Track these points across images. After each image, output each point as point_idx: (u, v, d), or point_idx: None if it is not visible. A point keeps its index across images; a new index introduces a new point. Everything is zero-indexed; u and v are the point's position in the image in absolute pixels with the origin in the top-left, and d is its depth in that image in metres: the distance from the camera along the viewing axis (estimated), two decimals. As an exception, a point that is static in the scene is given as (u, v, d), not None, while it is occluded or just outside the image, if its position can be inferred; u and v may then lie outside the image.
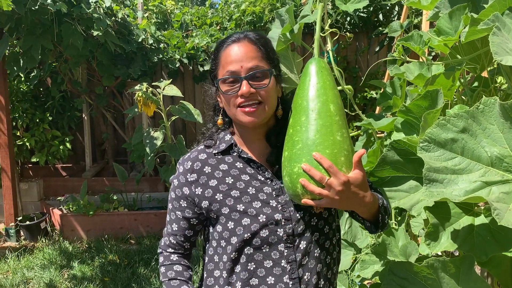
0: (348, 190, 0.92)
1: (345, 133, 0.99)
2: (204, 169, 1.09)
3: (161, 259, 1.17)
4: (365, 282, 1.74)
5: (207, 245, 1.14)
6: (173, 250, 1.16)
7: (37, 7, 3.32)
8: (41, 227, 4.11)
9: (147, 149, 3.86)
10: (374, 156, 1.41)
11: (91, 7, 3.66)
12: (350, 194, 0.93)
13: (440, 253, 1.54)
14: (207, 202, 1.07)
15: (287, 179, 0.99)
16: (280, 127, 1.09)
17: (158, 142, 3.87)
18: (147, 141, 3.89)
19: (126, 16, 4.40)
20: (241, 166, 1.09)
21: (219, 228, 1.07)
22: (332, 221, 1.11)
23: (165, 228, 1.17)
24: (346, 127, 1.01)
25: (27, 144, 4.64)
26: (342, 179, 0.91)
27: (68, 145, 4.83)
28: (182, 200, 1.10)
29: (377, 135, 1.74)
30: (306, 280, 1.03)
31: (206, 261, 1.13)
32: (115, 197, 4.47)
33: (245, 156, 1.09)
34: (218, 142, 1.13)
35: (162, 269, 1.14)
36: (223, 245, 1.06)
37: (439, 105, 0.96)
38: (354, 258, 1.80)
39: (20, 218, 4.14)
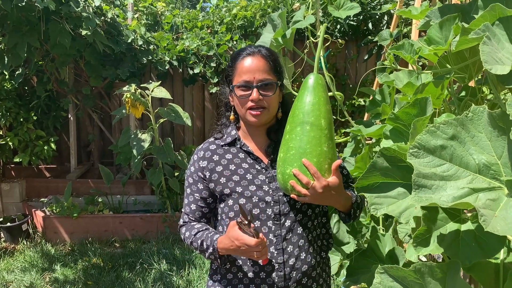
0: (328, 192, 1.15)
1: (331, 144, 1.18)
2: (213, 157, 1.34)
3: (183, 229, 1.36)
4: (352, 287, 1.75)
5: (215, 220, 1.39)
6: (192, 221, 1.37)
7: (24, 4, 3.28)
8: (22, 229, 4.02)
9: (134, 151, 3.82)
10: (362, 162, 1.42)
11: (80, 6, 3.62)
12: (328, 195, 1.16)
13: (425, 258, 1.56)
14: (213, 184, 1.32)
15: (280, 176, 1.19)
16: (279, 126, 1.33)
17: (146, 145, 3.84)
18: (134, 143, 3.85)
19: (115, 16, 4.37)
20: (243, 157, 1.33)
21: (222, 205, 1.32)
22: (315, 206, 1.33)
23: (184, 209, 1.40)
24: (333, 138, 1.20)
25: (10, 143, 4.54)
26: (323, 183, 1.13)
27: (52, 145, 4.74)
28: (199, 184, 1.34)
29: (366, 142, 1.75)
30: (289, 251, 1.26)
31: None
32: (100, 200, 4.41)
33: (246, 149, 1.33)
34: (225, 135, 1.37)
35: (187, 234, 1.33)
36: (224, 218, 1.32)
37: (428, 112, 0.97)
38: (340, 264, 1.80)
39: (1, 219, 4.05)
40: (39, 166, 5.14)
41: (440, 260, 1.66)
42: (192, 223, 1.36)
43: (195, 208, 1.35)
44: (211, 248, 1.25)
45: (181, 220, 1.40)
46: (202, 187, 1.34)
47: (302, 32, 4.24)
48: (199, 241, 1.29)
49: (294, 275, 1.26)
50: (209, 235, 1.28)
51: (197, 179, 1.34)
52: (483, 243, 0.85)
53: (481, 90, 1.25)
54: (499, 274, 0.92)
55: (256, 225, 1.26)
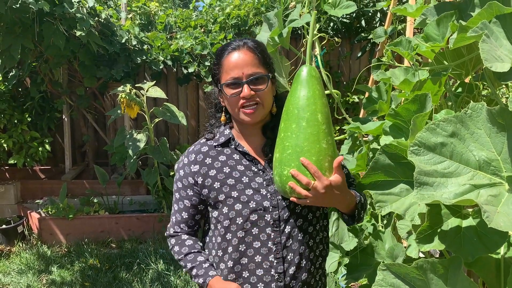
0: (330, 192, 1.06)
1: (330, 140, 1.09)
2: (205, 161, 1.23)
3: (172, 241, 1.29)
4: (351, 285, 1.76)
5: (207, 227, 1.30)
6: (182, 232, 1.29)
7: (18, 6, 3.25)
8: (18, 231, 3.99)
9: (130, 152, 3.81)
10: (363, 160, 1.43)
11: (74, 7, 3.59)
12: (331, 195, 1.07)
13: (423, 254, 1.57)
14: (206, 190, 1.22)
15: (277, 178, 1.10)
16: (275, 122, 1.22)
17: (141, 145, 3.82)
18: (130, 143, 3.84)
19: (109, 16, 4.34)
20: (238, 158, 1.23)
21: (215, 213, 1.22)
22: (315, 210, 1.23)
23: (173, 217, 1.30)
24: (331, 133, 1.11)
25: (5, 145, 4.50)
26: (325, 183, 1.05)
27: (47, 146, 4.71)
28: (188, 189, 1.24)
29: (363, 139, 1.76)
30: (289, 259, 1.17)
31: (207, 240, 1.29)
32: (95, 200, 4.38)
33: (241, 150, 1.23)
34: (218, 135, 1.27)
35: (176, 248, 1.27)
36: (219, 227, 1.21)
37: (427, 109, 0.98)
38: (340, 261, 1.81)
39: (-4, 221, 4.02)
40: (34, 168, 5.10)
41: (437, 256, 1.68)
42: (182, 237, 1.29)
43: (187, 216, 1.27)
44: (201, 281, 1.20)
45: (172, 230, 1.31)
46: (192, 193, 1.25)
47: (295, 30, 4.24)
48: (189, 265, 1.23)
49: (294, 284, 1.18)
50: (204, 266, 1.22)
51: (187, 184, 1.25)
52: (484, 238, 0.86)
53: (477, 86, 1.26)
54: (500, 268, 0.93)
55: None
